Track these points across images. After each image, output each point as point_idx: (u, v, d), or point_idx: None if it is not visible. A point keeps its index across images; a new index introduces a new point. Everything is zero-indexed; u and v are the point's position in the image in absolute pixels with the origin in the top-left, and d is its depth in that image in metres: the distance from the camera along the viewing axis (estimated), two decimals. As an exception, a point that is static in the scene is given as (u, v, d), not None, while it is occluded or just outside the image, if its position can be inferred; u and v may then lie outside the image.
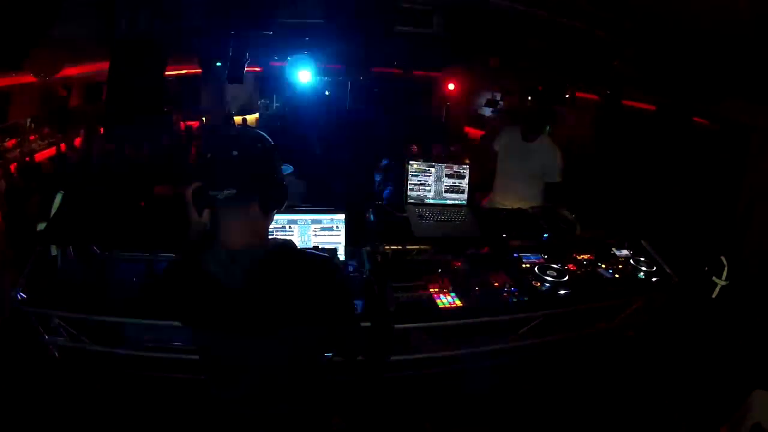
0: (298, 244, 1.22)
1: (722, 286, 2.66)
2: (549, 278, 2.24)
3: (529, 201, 3.10)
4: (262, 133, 1.13)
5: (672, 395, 2.68)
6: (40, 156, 6.81)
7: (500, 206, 3.22)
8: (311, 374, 1.16)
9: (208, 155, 1.07)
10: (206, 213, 1.09)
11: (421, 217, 2.52)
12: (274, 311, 1.04)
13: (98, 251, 2.26)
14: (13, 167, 5.75)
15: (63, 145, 6.89)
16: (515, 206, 3.03)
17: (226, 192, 1.03)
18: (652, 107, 5.28)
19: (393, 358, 2.03)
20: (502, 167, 3.36)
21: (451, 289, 2.13)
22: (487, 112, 12.32)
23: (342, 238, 2.17)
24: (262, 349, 1.06)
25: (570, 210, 2.70)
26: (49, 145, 7.14)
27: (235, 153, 1.04)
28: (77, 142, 7.35)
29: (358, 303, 1.89)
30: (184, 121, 9.34)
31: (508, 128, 3.42)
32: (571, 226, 2.62)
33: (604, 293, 2.28)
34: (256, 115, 11.08)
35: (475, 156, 5.14)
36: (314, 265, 1.10)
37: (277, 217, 2.09)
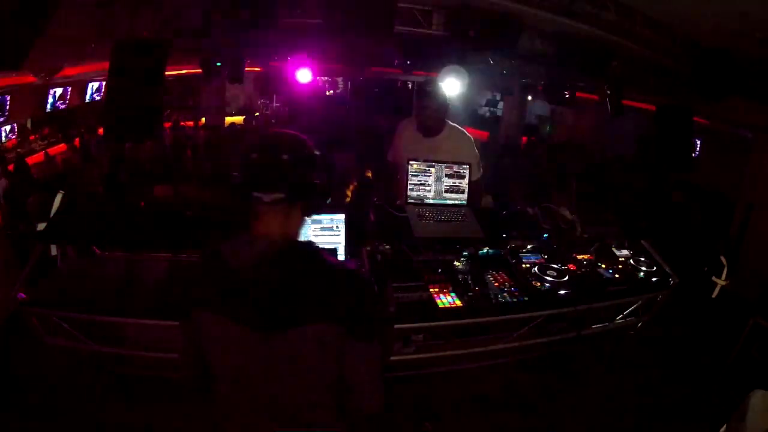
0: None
1: (722, 286, 2.66)
2: (549, 278, 2.24)
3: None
4: (304, 136, 1.10)
5: (672, 395, 2.68)
6: (39, 157, 6.82)
7: None
8: (320, 385, 1.06)
9: (253, 155, 1.04)
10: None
11: (421, 217, 2.51)
12: (284, 306, 1.01)
13: (98, 251, 2.27)
14: (12, 167, 5.75)
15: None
16: None
17: (273, 196, 1.01)
18: (652, 107, 5.27)
19: (393, 358, 2.03)
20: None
21: (451, 289, 2.13)
22: (487, 112, 12.36)
23: (342, 238, 2.17)
24: (270, 345, 1.02)
25: (570, 210, 2.70)
26: (49, 145, 7.15)
27: (285, 157, 1.02)
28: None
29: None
30: (183, 121, 9.35)
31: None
32: (571, 226, 2.62)
33: (604, 293, 2.28)
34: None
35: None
36: (333, 266, 1.08)
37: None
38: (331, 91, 12.55)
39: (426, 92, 2.70)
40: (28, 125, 6.88)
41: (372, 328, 1.08)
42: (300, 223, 1.11)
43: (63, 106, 7.00)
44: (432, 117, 2.70)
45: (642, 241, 2.67)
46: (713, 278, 2.68)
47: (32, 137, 6.92)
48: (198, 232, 2.13)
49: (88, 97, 7.45)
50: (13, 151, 6.31)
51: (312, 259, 1.06)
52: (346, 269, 1.09)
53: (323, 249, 1.10)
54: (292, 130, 1.11)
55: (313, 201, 1.09)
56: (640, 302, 2.45)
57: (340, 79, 12.42)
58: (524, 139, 10.35)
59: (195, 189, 5.48)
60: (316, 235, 2.14)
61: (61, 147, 7.39)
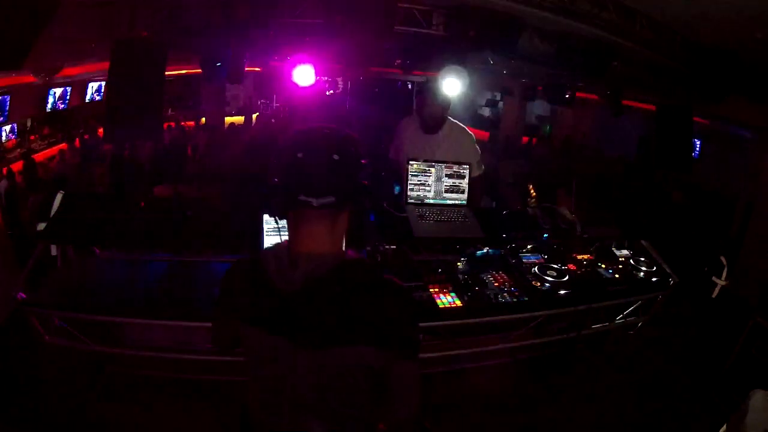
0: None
1: (722, 286, 2.66)
2: (549, 278, 2.24)
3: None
4: (348, 132, 1.02)
5: (672, 395, 2.68)
6: (40, 156, 6.81)
7: None
8: (356, 410, 1.01)
9: (299, 154, 0.95)
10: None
11: (421, 217, 2.51)
12: (334, 326, 0.94)
13: (98, 251, 2.27)
14: (13, 167, 5.75)
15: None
16: None
17: (322, 200, 0.93)
18: (652, 107, 5.28)
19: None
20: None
21: (451, 289, 2.13)
22: (487, 112, 12.36)
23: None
24: (315, 359, 0.96)
25: (570, 210, 2.70)
26: (49, 145, 7.15)
27: (336, 157, 0.94)
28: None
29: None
30: (183, 120, 9.36)
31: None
32: (571, 226, 2.62)
33: (604, 293, 2.28)
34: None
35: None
36: (384, 287, 1.00)
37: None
38: (331, 91, 12.55)
39: (427, 89, 2.75)
40: (28, 125, 6.88)
41: (417, 347, 1.04)
42: (345, 230, 1.03)
43: (63, 106, 7.00)
44: (433, 113, 2.74)
45: (642, 241, 2.68)
46: (713, 278, 2.68)
47: (32, 137, 6.92)
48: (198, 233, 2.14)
49: (88, 97, 7.45)
50: (14, 151, 6.30)
51: (364, 280, 0.99)
52: (398, 289, 1.01)
53: (374, 264, 1.03)
54: (333, 125, 1.02)
55: (360, 203, 1.02)
56: (640, 302, 2.46)
57: (339, 79, 12.42)
58: (524, 139, 10.37)
59: (195, 189, 5.48)
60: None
61: (62, 146, 7.39)
